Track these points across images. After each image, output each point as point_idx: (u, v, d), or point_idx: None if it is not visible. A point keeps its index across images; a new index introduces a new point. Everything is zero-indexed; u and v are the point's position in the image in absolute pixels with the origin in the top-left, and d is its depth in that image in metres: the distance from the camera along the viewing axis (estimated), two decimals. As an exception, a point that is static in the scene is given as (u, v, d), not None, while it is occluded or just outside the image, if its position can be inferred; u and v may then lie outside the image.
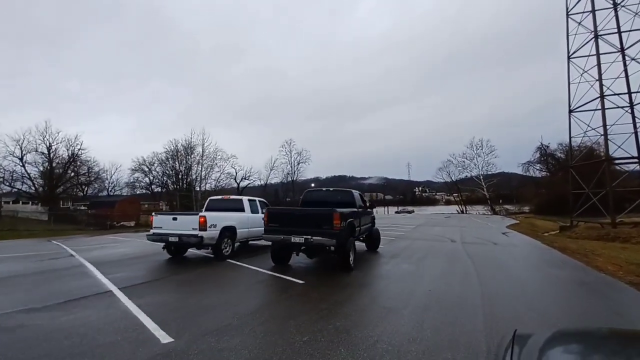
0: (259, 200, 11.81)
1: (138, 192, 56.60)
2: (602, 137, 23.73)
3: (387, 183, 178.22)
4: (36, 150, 38.60)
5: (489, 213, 59.50)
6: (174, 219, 8.99)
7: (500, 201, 65.59)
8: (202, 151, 46.75)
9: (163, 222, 9.06)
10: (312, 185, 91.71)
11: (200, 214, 8.75)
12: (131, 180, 53.54)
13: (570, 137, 25.99)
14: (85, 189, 50.07)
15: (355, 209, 8.63)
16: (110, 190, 56.86)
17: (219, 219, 9.05)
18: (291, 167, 67.89)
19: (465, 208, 68.45)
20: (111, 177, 57.20)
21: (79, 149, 40.90)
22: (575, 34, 25.05)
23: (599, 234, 19.70)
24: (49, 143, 39.26)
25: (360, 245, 10.94)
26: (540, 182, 55.98)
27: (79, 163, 43.07)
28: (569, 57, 25.51)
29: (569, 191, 27.25)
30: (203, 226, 8.48)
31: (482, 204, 66.60)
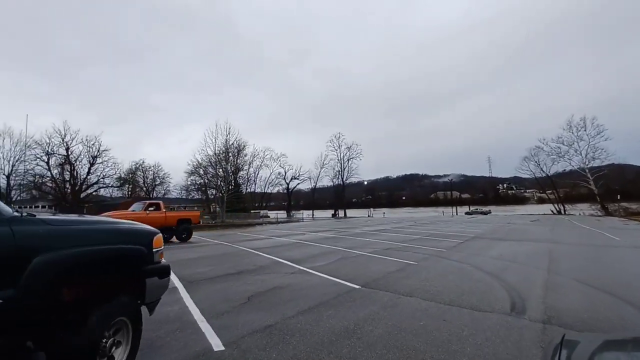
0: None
1: (192, 195, 58.92)
2: None
3: (466, 180, 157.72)
4: (53, 153, 38.98)
5: (600, 213, 44.38)
6: None
7: (618, 197, 48.44)
8: (228, 144, 44.44)
9: None
10: (365, 183, 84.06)
11: None
12: (188, 183, 55.34)
13: None
14: (151, 192, 52.29)
15: None
16: (166, 194, 59.57)
17: None
18: (340, 164, 62.63)
19: (564, 207, 53.15)
20: (169, 181, 60.06)
21: (98, 150, 41.09)
22: None
23: None
24: (67, 145, 39.47)
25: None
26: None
27: (108, 164, 43.06)
28: None
29: None
30: None
31: (587, 202, 50.52)
